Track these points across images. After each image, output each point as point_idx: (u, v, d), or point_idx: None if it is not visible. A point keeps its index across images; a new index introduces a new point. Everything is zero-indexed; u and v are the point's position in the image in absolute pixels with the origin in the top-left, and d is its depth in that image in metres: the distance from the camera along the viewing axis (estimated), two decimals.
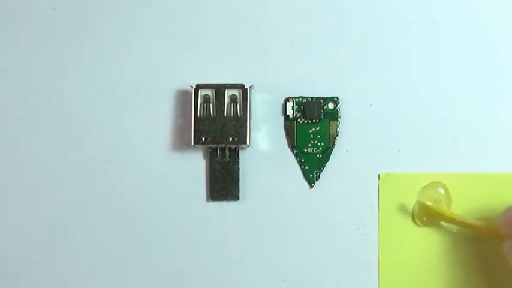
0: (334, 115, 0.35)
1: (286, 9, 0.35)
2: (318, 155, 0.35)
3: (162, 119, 0.35)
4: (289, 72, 0.35)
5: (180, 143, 0.35)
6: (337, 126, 0.35)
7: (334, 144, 0.35)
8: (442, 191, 0.34)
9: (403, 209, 0.34)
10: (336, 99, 0.35)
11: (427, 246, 0.34)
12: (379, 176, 0.34)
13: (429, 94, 0.35)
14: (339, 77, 0.35)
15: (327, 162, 0.35)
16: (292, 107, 0.35)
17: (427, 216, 0.34)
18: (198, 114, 0.34)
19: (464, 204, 0.34)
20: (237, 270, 0.34)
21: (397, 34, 0.35)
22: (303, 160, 0.35)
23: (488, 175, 0.34)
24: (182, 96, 0.35)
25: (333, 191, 0.35)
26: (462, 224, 0.33)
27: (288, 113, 0.35)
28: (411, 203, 0.34)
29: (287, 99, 0.35)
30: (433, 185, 0.34)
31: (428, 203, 0.33)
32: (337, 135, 0.35)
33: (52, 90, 0.35)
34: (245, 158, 0.35)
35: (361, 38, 0.35)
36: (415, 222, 0.34)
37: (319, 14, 0.35)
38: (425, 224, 0.34)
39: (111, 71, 0.35)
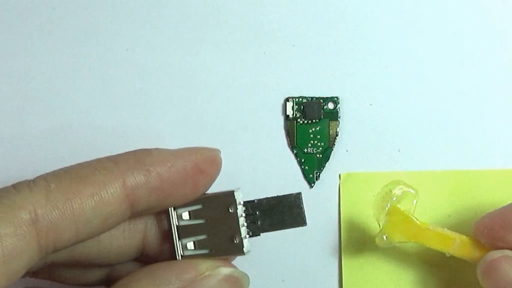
0: (334, 115, 0.35)
1: (286, 9, 0.35)
2: (318, 155, 0.35)
3: (161, 118, 0.35)
4: (289, 72, 0.35)
5: (180, 145, 0.35)
6: (337, 126, 0.35)
7: (334, 144, 0.35)
8: (399, 189, 0.34)
9: (364, 209, 0.34)
10: (336, 99, 0.35)
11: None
12: (339, 176, 0.34)
13: (429, 94, 0.35)
14: (339, 77, 0.35)
15: (327, 162, 0.35)
16: (292, 107, 0.35)
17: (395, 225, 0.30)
18: None
19: (434, 203, 0.34)
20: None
21: (397, 34, 0.35)
22: (303, 160, 0.35)
23: (488, 172, 0.34)
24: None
25: (333, 191, 0.35)
26: (433, 236, 0.29)
27: (288, 113, 0.35)
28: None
29: (287, 99, 0.35)
30: (393, 183, 0.34)
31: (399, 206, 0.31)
32: (337, 135, 0.35)
33: (52, 90, 0.35)
34: (245, 158, 0.35)
35: (361, 38, 0.35)
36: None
37: (319, 14, 0.35)
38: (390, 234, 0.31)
39: (111, 71, 0.35)
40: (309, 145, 0.35)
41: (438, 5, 0.35)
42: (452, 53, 0.35)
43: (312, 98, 0.35)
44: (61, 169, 0.25)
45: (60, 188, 0.24)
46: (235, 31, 0.35)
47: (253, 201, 0.27)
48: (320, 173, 0.35)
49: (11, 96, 0.35)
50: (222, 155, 0.34)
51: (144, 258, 0.28)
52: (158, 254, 0.28)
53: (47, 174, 0.25)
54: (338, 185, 0.35)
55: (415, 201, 0.33)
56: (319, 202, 0.35)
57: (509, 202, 0.31)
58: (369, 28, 0.35)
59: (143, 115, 0.35)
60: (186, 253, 0.27)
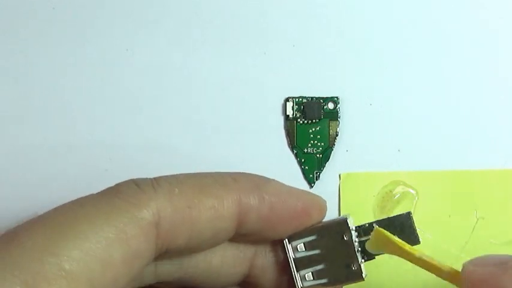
0: (334, 115, 0.35)
1: (286, 9, 0.35)
2: (318, 155, 0.35)
3: (161, 118, 0.35)
4: (289, 72, 0.35)
5: (180, 145, 0.35)
6: (337, 126, 0.35)
7: (334, 144, 0.35)
8: (403, 189, 0.34)
9: (364, 209, 0.34)
10: (336, 99, 0.35)
11: None
12: (339, 176, 0.34)
13: (429, 94, 0.35)
14: (339, 77, 0.35)
15: (327, 162, 0.35)
16: (292, 107, 0.35)
17: (380, 243, 0.28)
18: None
19: (434, 203, 0.34)
20: None
21: (397, 34, 0.35)
22: (303, 160, 0.35)
23: (488, 172, 0.34)
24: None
25: (333, 191, 0.35)
26: (421, 262, 0.27)
27: (288, 113, 0.35)
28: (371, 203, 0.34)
29: (287, 99, 0.35)
30: (393, 183, 0.34)
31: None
32: (337, 135, 0.35)
33: (52, 90, 0.35)
34: (245, 158, 0.35)
35: (361, 38, 0.35)
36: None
37: (319, 14, 0.35)
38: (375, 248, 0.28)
39: (111, 71, 0.35)
40: (309, 145, 0.35)
41: (438, 5, 0.35)
42: (452, 53, 0.35)
43: (312, 98, 0.35)
44: (182, 174, 0.25)
45: (183, 194, 0.24)
46: (235, 31, 0.35)
47: (365, 224, 0.28)
48: (320, 173, 0.35)
49: (11, 96, 0.35)
50: (222, 155, 0.35)
51: (246, 286, 0.29)
52: (262, 283, 0.28)
53: (169, 177, 0.25)
54: (338, 185, 0.35)
55: (415, 202, 0.33)
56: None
57: (509, 203, 0.31)
58: (369, 28, 0.35)
59: (143, 115, 0.35)
60: (305, 284, 0.27)
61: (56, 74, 0.35)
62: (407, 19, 0.35)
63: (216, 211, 0.25)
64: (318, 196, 0.28)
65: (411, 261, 0.26)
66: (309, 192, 0.28)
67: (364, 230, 0.28)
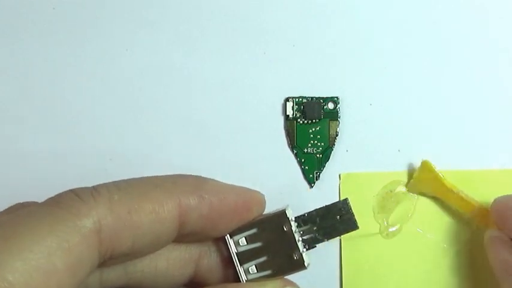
0: (334, 115, 0.35)
1: (286, 9, 0.35)
2: (318, 155, 0.35)
3: (161, 118, 0.35)
4: (289, 72, 0.35)
5: (180, 145, 0.35)
6: (337, 126, 0.35)
7: (334, 144, 0.35)
8: (403, 189, 0.34)
9: (364, 209, 0.34)
10: (336, 99, 0.35)
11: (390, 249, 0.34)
12: (339, 176, 0.34)
13: (429, 94, 0.35)
14: (339, 77, 0.35)
15: (327, 162, 0.35)
16: (292, 107, 0.35)
17: (424, 179, 0.32)
18: None
19: (434, 203, 0.34)
20: None
21: (397, 34, 0.35)
22: (303, 160, 0.35)
23: (487, 172, 0.34)
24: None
25: (333, 191, 0.35)
26: (456, 198, 0.32)
27: (288, 113, 0.35)
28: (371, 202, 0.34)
29: (287, 99, 0.35)
30: (393, 183, 0.34)
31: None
32: (337, 135, 0.35)
33: (52, 90, 0.35)
34: (245, 158, 0.35)
35: (361, 38, 0.35)
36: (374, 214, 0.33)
37: (319, 14, 0.35)
38: (417, 186, 0.32)
39: (111, 71, 0.35)
40: (309, 145, 0.35)
41: (438, 5, 0.35)
42: (452, 53, 0.35)
43: (312, 98, 0.35)
44: (122, 181, 0.26)
45: (123, 200, 0.25)
46: (235, 31, 0.35)
47: (304, 215, 0.29)
48: (320, 173, 0.35)
49: (11, 96, 0.35)
50: (222, 155, 0.35)
51: (193, 286, 0.29)
52: (209, 281, 0.29)
53: (108, 184, 0.26)
54: (338, 185, 0.34)
55: (414, 201, 0.33)
56: (319, 202, 0.34)
57: None
58: (368, 28, 0.35)
59: (143, 115, 0.35)
60: (250, 277, 0.28)
61: (56, 74, 0.35)
62: (407, 19, 0.35)
63: (157, 214, 0.25)
64: (256, 191, 0.29)
65: (448, 197, 0.30)
66: (248, 189, 0.29)
67: (304, 220, 0.29)
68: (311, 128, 0.35)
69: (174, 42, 0.35)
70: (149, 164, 0.35)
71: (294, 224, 0.28)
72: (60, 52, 0.35)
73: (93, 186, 0.25)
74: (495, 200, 0.31)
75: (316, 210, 0.29)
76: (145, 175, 0.30)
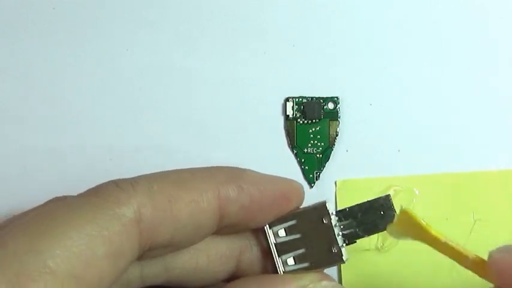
0: (334, 115, 0.35)
1: (286, 9, 0.35)
2: (318, 155, 0.35)
3: (161, 118, 0.35)
4: (289, 72, 0.35)
5: (181, 144, 0.35)
6: (337, 126, 0.35)
7: (334, 144, 0.35)
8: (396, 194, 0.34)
9: None
10: (336, 99, 0.35)
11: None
12: (335, 183, 0.34)
13: (429, 94, 0.35)
14: (339, 77, 0.35)
15: (327, 162, 0.35)
16: (292, 107, 0.35)
17: (404, 227, 0.27)
18: None
19: (431, 206, 0.34)
20: None
21: (397, 34, 0.35)
22: (303, 160, 0.35)
23: (484, 173, 0.34)
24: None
25: (333, 191, 0.35)
26: (445, 248, 0.25)
27: (288, 113, 0.35)
28: None
29: (287, 99, 0.35)
30: (390, 189, 0.34)
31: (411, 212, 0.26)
32: (337, 135, 0.35)
33: (52, 90, 0.35)
34: (245, 158, 0.35)
35: (361, 38, 0.35)
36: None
37: (319, 14, 0.35)
38: (398, 232, 0.27)
39: (111, 71, 0.35)
40: (309, 145, 0.35)
41: (438, 5, 0.35)
42: (452, 53, 0.35)
43: (312, 98, 0.35)
44: (160, 172, 0.26)
45: (162, 190, 0.24)
46: (235, 31, 0.35)
47: (345, 209, 0.28)
48: (320, 173, 0.35)
49: (11, 96, 0.35)
50: (222, 155, 0.35)
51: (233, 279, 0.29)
52: (250, 275, 0.28)
53: (147, 175, 0.25)
54: (334, 191, 0.34)
55: (412, 205, 0.33)
56: (323, 194, 0.35)
57: (505, 204, 0.31)
58: (368, 28, 0.35)
59: (143, 115, 0.35)
60: (287, 268, 0.28)
61: (56, 74, 0.35)
62: (407, 19, 0.35)
63: (197, 204, 0.25)
64: (294, 181, 0.28)
65: (435, 247, 0.25)
66: (286, 178, 0.28)
67: (345, 215, 0.28)
68: (311, 128, 0.35)
69: (174, 42, 0.35)
70: (149, 164, 0.35)
71: (334, 218, 0.28)
72: (60, 52, 0.35)
73: (133, 178, 0.25)
74: (493, 257, 0.24)
75: (358, 204, 0.28)
76: None
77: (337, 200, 0.34)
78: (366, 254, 0.33)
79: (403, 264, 0.33)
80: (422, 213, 0.32)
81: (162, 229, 0.24)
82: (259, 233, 0.28)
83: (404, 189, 0.33)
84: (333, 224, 0.28)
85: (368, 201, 0.28)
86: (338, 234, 0.28)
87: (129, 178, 0.25)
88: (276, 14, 0.35)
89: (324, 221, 0.28)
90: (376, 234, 0.31)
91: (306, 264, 0.28)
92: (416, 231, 0.25)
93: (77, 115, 0.35)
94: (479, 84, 0.35)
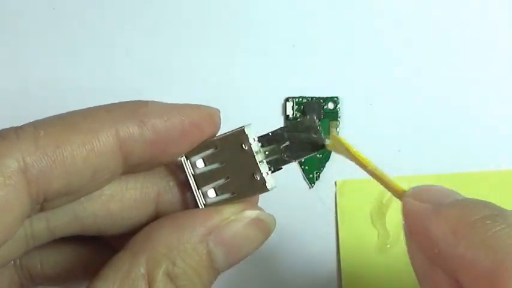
0: (334, 115, 0.35)
1: (286, 9, 0.35)
2: (318, 155, 0.35)
3: None
4: (289, 72, 0.35)
5: None
6: (337, 126, 0.35)
7: None
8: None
9: (362, 214, 0.34)
10: (336, 99, 0.35)
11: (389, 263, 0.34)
12: (335, 183, 0.34)
13: (429, 94, 0.35)
14: (339, 77, 0.35)
15: (327, 162, 0.35)
16: (292, 107, 0.35)
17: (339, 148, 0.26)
18: None
19: None
20: (237, 270, 0.34)
21: (398, 34, 0.35)
22: (303, 160, 0.35)
23: (486, 173, 0.34)
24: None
25: (333, 191, 0.35)
26: (373, 175, 0.26)
27: (288, 113, 0.35)
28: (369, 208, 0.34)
29: (287, 99, 0.35)
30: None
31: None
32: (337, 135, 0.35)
33: (52, 90, 0.35)
34: None
35: (361, 38, 0.35)
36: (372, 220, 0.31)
37: (319, 14, 0.35)
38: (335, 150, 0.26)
39: (111, 71, 0.35)
40: None
41: (438, 6, 0.35)
42: (452, 53, 0.35)
43: (312, 98, 0.35)
44: (51, 116, 0.24)
45: (49, 135, 0.23)
46: (236, 31, 0.35)
47: (268, 134, 0.26)
48: (320, 173, 0.35)
49: (11, 96, 0.35)
50: None
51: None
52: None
53: (35, 121, 0.24)
54: (334, 191, 0.34)
55: None
56: (319, 202, 0.35)
57: (504, 204, 0.31)
58: (369, 28, 0.35)
59: None
60: (208, 201, 0.26)
61: (56, 74, 0.35)
62: (407, 19, 0.35)
63: (91, 147, 0.23)
64: (207, 107, 0.26)
65: (368, 172, 0.25)
66: (196, 105, 0.25)
67: (268, 139, 0.26)
68: None
69: (174, 42, 0.35)
70: None
71: (255, 143, 0.25)
72: (60, 52, 0.35)
73: (20, 125, 0.23)
74: (405, 198, 0.24)
75: (280, 128, 0.26)
76: None
77: (337, 200, 0.34)
78: (365, 255, 0.33)
79: (403, 265, 0.33)
80: None
81: (53, 177, 0.23)
82: (178, 171, 0.26)
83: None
84: (254, 150, 0.25)
85: (292, 123, 0.26)
86: (262, 162, 0.25)
87: (15, 126, 0.23)
88: (276, 14, 0.35)
89: (244, 147, 0.25)
90: (377, 235, 0.31)
91: (228, 195, 0.25)
92: (349, 155, 0.25)
93: None
94: (479, 85, 0.35)
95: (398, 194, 0.24)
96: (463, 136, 0.35)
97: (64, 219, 0.25)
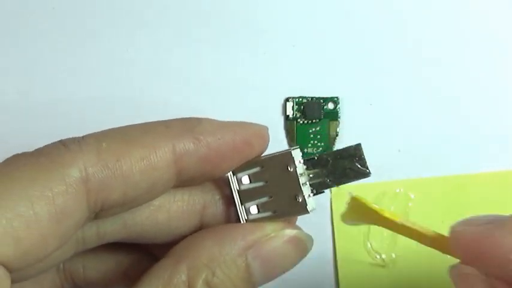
0: (334, 115, 0.35)
1: (286, 9, 0.35)
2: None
3: (161, 118, 0.35)
4: (289, 72, 0.35)
5: None
6: (337, 126, 0.35)
7: (334, 144, 0.35)
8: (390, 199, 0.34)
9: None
10: (336, 99, 0.35)
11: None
12: (331, 191, 0.34)
13: (429, 94, 0.35)
14: (339, 77, 0.35)
15: None
16: (292, 107, 0.35)
17: (357, 213, 0.27)
18: None
19: (426, 209, 0.34)
20: None
21: (397, 34, 0.35)
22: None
23: (486, 174, 0.34)
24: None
25: (329, 198, 0.35)
26: (403, 229, 0.25)
27: (288, 113, 0.35)
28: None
29: (287, 99, 0.35)
30: (384, 194, 0.34)
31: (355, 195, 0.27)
32: (337, 135, 0.35)
33: (52, 90, 0.35)
34: None
35: (361, 38, 0.35)
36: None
37: (319, 14, 0.35)
38: (352, 219, 0.27)
39: (111, 71, 0.35)
40: (309, 145, 0.35)
41: (439, 6, 0.35)
42: (452, 54, 0.35)
43: (312, 98, 0.35)
44: (111, 129, 0.25)
45: (111, 148, 0.24)
46: (236, 31, 0.35)
47: (314, 157, 0.27)
48: None
49: (11, 96, 0.35)
50: None
51: None
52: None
53: (97, 133, 0.25)
54: (330, 198, 0.34)
55: (408, 208, 0.33)
56: (319, 202, 0.34)
57: (500, 205, 0.31)
58: (369, 28, 0.35)
59: (143, 115, 0.35)
60: (250, 217, 0.26)
61: (55, 74, 0.35)
62: (407, 20, 0.35)
63: (149, 161, 0.24)
64: (257, 124, 0.27)
65: (392, 229, 0.25)
66: (248, 123, 0.26)
67: (313, 163, 0.27)
68: (311, 128, 0.35)
69: (174, 42, 0.35)
70: None
71: (300, 166, 0.26)
72: (60, 52, 0.35)
73: (82, 136, 0.24)
74: (454, 231, 0.24)
75: (327, 153, 0.27)
76: None
77: (332, 208, 0.34)
78: (364, 268, 0.33)
79: (402, 278, 0.33)
80: (418, 216, 0.33)
81: (112, 187, 0.24)
82: (224, 186, 0.27)
83: (400, 193, 0.33)
84: (299, 173, 0.26)
85: (338, 150, 0.27)
86: (305, 184, 0.26)
87: (78, 137, 0.24)
88: (276, 14, 0.35)
89: (290, 169, 0.26)
90: (376, 252, 0.31)
91: (269, 213, 0.26)
92: (370, 216, 0.25)
93: (77, 115, 0.35)
94: (479, 85, 0.35)
95: (438, 239, 0.24)
96: (463, 136, 0.35)
97: (114, 226, 0.26)
